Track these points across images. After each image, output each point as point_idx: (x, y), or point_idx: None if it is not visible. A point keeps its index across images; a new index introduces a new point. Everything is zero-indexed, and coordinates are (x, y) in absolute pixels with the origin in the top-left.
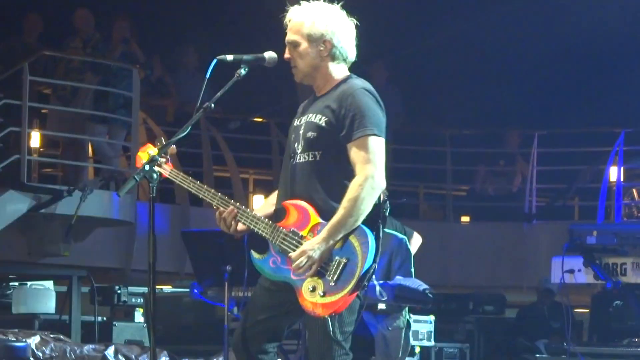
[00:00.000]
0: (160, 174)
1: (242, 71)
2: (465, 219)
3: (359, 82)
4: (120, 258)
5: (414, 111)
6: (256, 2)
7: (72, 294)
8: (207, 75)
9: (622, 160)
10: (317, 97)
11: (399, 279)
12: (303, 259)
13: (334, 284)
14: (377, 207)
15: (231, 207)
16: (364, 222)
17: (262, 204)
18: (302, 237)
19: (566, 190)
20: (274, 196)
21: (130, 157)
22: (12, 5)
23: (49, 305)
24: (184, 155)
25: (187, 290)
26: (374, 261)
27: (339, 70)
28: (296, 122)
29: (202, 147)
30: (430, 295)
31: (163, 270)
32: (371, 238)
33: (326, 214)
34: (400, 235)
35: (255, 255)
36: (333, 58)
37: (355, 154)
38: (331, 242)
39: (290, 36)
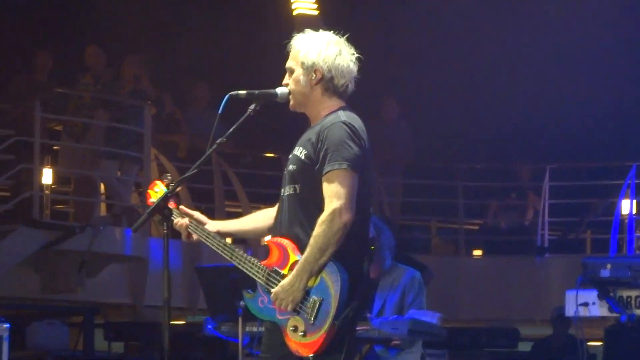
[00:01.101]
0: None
1: (255, 107)
2: (477, 252)
3: (342, 115)
4: (132, 294)
5: (426, 146)
6: (269, 38)
7: (85, 330)
8: (220, 111)
9: (634, 193)
10: (309, 128)
11: (412, 313)
12: (279, 300)
13: (312, 324)
14: (360, 243)
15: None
16: (340, 260)
17: (247, 217)
18: (283, 276)
19: (578, 224)
20: (259, 213)
21: (142, 193)
22: (22, 42)
23: (63, 341)
24: (196, 191)
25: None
26: (351, 299)
27: (330, 102)
28: (291, 154)
29: (214, 182)
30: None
31: (176, 305)
32: (342, 276)
33: (304, 250)
34: (413, 270)
35: (246, 295)
36: (324, 89)
37: (324, 188)
38: (300, 280)
39: (287, 62)
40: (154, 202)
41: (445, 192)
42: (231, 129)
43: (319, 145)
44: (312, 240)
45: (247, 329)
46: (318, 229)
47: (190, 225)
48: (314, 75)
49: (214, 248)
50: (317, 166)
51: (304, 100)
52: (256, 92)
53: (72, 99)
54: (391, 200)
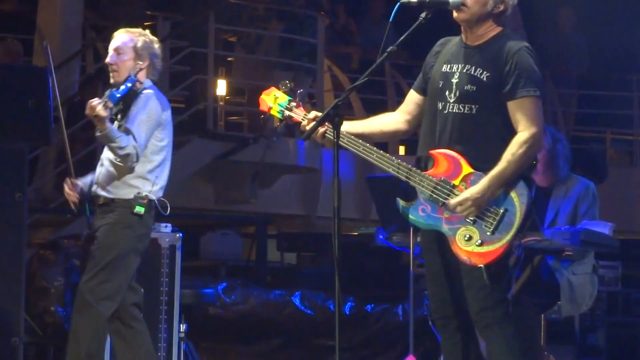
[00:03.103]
0: (292, 117)
1: (426, 15)
2: None
3: (520, 40)
4: (305, 205)
5: (601, 57)
6: None
7: (258, 240)
8: (390, 20)
9: None
10: (467, 46)
11: (585, 223)
12: (465, 206)
13: (490, 234)
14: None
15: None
16: (520, 177)
17: (372, 119)
18: (454, 187)
19: None
20: (384, 117)
21: (315, 104)
22: None
23: (236, 252)
24: (368, 102)
25: (373, 235)
26: (531, 213)
27: (495, 26)
28: (445, 68)
29: (387, 94)
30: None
31: (348, 217)
32: (528, 191)
33: (478, 165)
34: (587, 181)
35: (402, 203)
36: (498, 16)
37: (519, 111)
38: (491, 192)
39: None
40: (270, 108)
41: (620, 103)
42: (402, 37)
43: (507, 69)
44: (510, 157)
45: (419, 239)
46: (519, 149)
47: (328, 130)
48: (500, 7)
49: (359, 153)
50: (506, 89)
51: (477, 20)
52: None
53: (246, 10)
54: (565, 110)
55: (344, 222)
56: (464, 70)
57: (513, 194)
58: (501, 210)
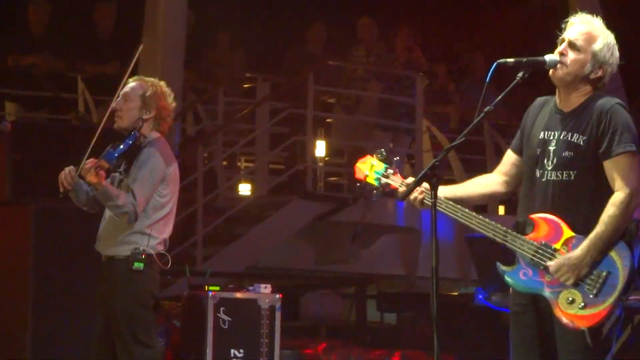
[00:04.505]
0: (389, 185)
1: (523, 74)
2: None
3: (611, 98)
4: (405, 265)
5: None
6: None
7: (358, 300)
8: (487, 79)
9: None
10: (561, 112)
11: None
12: (561, 272)
13: (593, 297)
14: (636, 223)
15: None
16: (623, 237)
17: (469, 182)
18: (555, 250)
19: None
20: (481, 179)
21: (414, 164)
22: (296, 15)
23: (336, 312)
24: (467, 162)
25: (472, 295)
26: (635, 275)
27: (588, 89)
28: (542, 135)
29: (486, 154)
30: None
31: (448, 276)
32: (631, 253)
33: (579, 228)
34: None
35: (502, 267)
36: (593, 83)
37: (615, 170)
38: (590, 256)
39: (576, 36)
40: (367, 176)
41: None
42: (499, 97)
43: (602, 128)
44: (607, 219)
45: None
46: (615, 210)
47: (426, 197)
48: (598, 72)
49: (458, 218)
50: (602, 149)
51: (571, 83)
52: (524, 59)
53: (345, 71)
54: None
55: (444, 282)
56: (561, 137)
57: (615, 257)
58: (604, 274)
